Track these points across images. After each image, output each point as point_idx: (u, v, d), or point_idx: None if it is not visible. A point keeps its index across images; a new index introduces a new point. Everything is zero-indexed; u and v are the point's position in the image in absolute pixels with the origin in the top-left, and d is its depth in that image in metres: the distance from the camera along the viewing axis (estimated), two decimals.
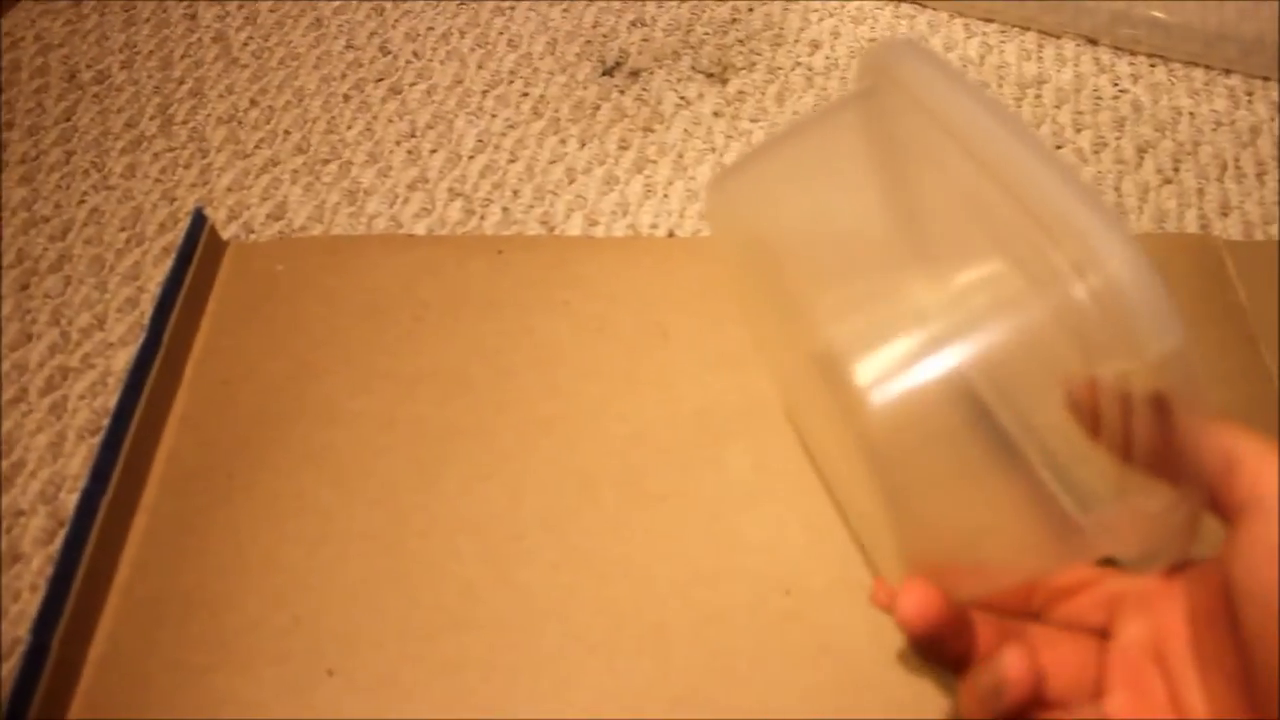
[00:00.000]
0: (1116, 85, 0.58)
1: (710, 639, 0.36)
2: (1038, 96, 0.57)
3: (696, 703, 0.35)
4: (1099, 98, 0.57)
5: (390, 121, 0.56)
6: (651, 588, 0.38)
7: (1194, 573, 0.29)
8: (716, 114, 0.56)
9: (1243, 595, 0.25)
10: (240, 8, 0.63)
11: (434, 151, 0.54)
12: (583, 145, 0.54)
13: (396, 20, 0.62)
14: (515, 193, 0.52)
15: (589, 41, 0.60)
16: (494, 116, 0.56)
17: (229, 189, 0.53)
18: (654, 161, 0.53)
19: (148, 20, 0.62)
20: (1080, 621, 0.32)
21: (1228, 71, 0.58)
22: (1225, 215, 0.51)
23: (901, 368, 0.26)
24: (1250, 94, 0.57)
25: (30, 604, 0.39)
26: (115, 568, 0.38)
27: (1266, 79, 0.58)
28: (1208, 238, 0.49)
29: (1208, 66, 0.59)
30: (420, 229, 0.51)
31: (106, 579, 0.38)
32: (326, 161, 0.54)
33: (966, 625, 0.30)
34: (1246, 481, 0.26)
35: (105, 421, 0.42)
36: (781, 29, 0.60)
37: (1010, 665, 0.28)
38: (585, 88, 0.57)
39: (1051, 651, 0.31)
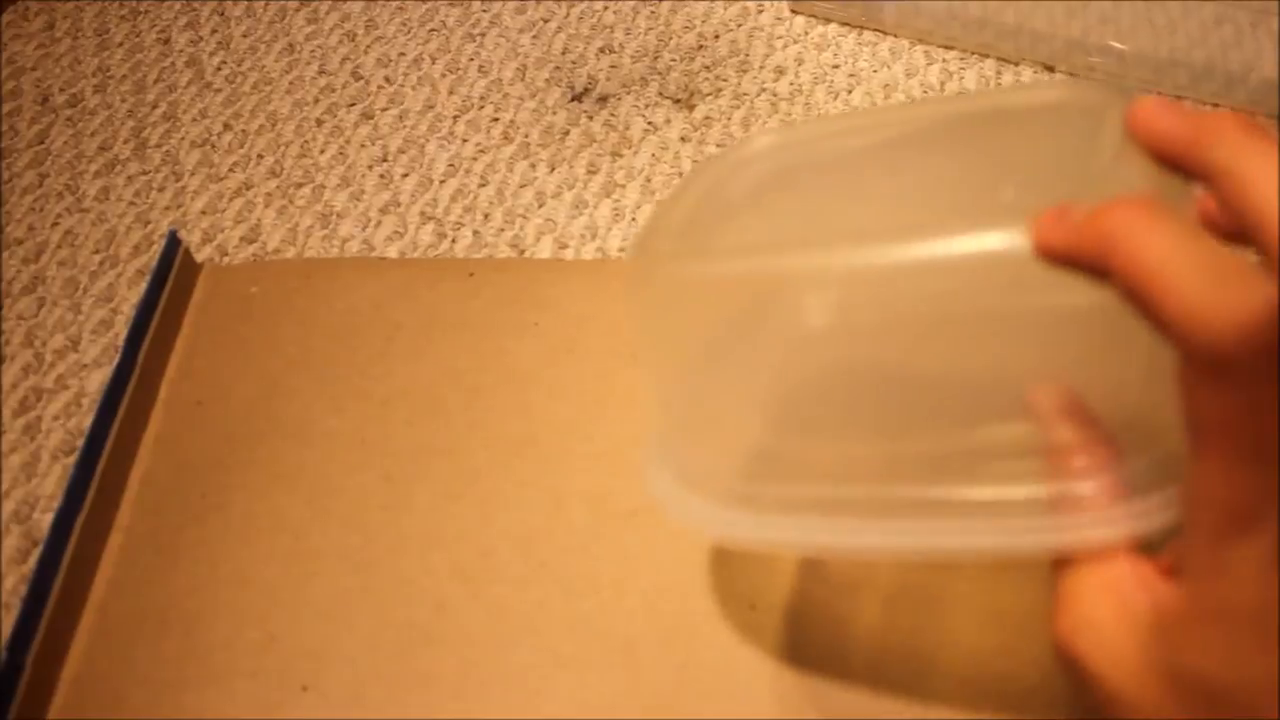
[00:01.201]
0: None
1: (678, 652, 0.37)
2: None
3: (665, 715, 0.36)
4: None
5: (363, 146, 0.57)
6: (620, 602, 0.38)
7: None
8: (683, 139, 0.57)
9: None
10: (213, 32, 0.64)
11: (406, 175, 0.55)
12: (552, 170, 0.55)
13: (368, 46, 0.63)
14: (486, 216, 0.53)
15: (558, 68, 0.61)
16: (465, 141, 0.57)
17: (203, 212, 0.54)
18: (622, 186, 0.54)
19: (121, 44, 0.63)
20: None
21: (1179, 97, 0.60)
22: None
23: None
24: None
25: (4, 624, 0.39)
26: (90, 587, 0.39)
27: (1216, 104, 0.59)
28: None
29: (1160, 92, 0.60)
30: (392, 252, 0.52)
31: (81, 598, 0.38)
32: (300, 185, 0.55)
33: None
34: None
35: (79, 442, 0.42)
36: (747, 55, 0.61)
37: None
38: (554, 113, 0.58)
39: None
